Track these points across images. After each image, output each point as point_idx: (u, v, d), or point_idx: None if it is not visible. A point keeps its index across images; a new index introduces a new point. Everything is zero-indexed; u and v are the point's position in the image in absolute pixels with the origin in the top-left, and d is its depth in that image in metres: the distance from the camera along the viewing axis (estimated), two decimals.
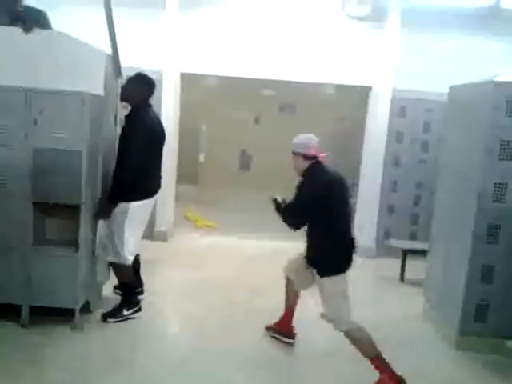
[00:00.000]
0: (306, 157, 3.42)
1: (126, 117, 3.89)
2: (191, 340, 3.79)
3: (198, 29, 6.18)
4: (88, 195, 3.62)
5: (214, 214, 7.68)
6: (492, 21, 5.94)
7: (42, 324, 3.63)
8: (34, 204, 3.56)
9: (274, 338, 3.83)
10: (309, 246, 3.50)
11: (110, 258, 3.92)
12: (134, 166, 3.70)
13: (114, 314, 3.92)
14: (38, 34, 3.61)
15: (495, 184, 3.68)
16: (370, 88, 6.40)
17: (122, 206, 3.79)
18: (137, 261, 4.20)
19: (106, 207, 3.79)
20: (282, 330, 3.83)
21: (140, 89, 3.89)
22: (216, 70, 6.35)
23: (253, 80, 6.42)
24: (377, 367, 3.19)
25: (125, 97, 3.93)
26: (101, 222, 3.87)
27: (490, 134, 3.66)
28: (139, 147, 3.72)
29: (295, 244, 6.83)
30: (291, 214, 3.45)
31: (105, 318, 3.88)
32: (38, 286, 3.57)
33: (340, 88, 7.16)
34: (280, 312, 3.96)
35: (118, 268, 3.96)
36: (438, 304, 4.26)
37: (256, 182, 9.70)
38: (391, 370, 3.18)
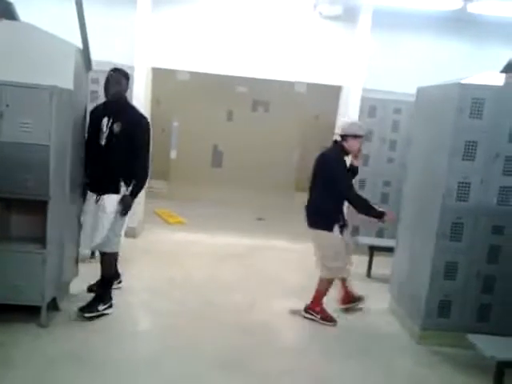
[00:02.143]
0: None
1: (116, 111, 3.88)
2: (162, 338, 3.78)
3: (170, 24, 6.14)
4: (56, 191, 3.56)
5: (185, 211, 7.65)
6: (459, 24, 6.11)
7: (6, 322, 3.56)
8: (0, 199, 3.48)
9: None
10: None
11: (110, 249, 3.98)
12: (148, 157, 3.97)
13: (91, 308, 3.90)
14: (5, 25, 3.53)
15: (459, 183, 3.80)
16: (340, 87, 6.49)
17: (118, 196, 3.89)
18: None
19: (129, 203, 3.90)
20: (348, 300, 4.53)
21: (126, 82, 3.95)
22: (188, 65, 6.32)
23: (226, 77, 6.43)
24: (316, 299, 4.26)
25: (115, 91, 3.88)
26: (90, 215, 3.93)
27: (455, 135, 3.77)
28: (149, 139, 3.96)
29: (266, 241, 6.91)
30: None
31: (83, 312, 3.86)
32: (3, 283, 3.50)
33: (313, 86, 7.24)
34: (254, 307, 3.99)
35: (110, 259, 4.04)
36: (403, 299, 4.37)
37: (228, 179, 9.70)
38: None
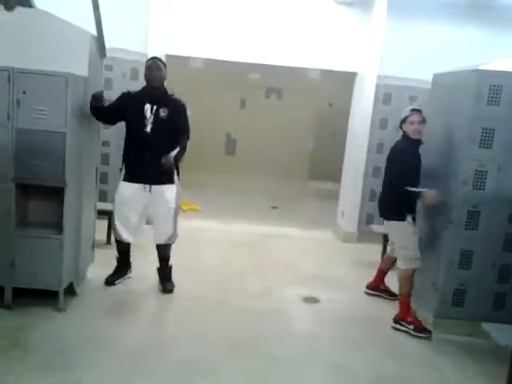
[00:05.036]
0: None
1: (159, 97, 3.99)
2: (176, 323, 3.82)
3: (184, 10, 6.11)
4: (72, 177, 3.60)
5: (199, 198, 7.68)
6: (477, 9, 5.99)
7: (25, 306, 3.63)
8: (17, 186, 3.53)
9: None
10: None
11: (176, 238, 4.26)
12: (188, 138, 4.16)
13: (171, 285, 4.28)
14: (20, 12, 3.55)
15: (476, 171, 3.76)
16: (355, 74, 6.43)
17: (176, 186, 4.16)
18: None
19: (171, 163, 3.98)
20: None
21: (165, 70, 4.07)
22: (202, 52, 6.30)
23: (239, 63, 6.39)
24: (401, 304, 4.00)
25: (158, 78, 4.00)
26: (136, 204, 4.04)
27: (472, 122, 3.72)
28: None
29: (280, 229, 6.92)
30: None
31: (169, 292, 4.22)
32: (22, 268, 3.57)
33: (327, 73, 7.18)
34: (267, 295, 4.00)
35: (169, 246, 4.26)
36: (417, 288, 4.35)
37: (241, 167, 9.71)
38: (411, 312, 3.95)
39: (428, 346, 3.77)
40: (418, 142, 3.98)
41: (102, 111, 3.87)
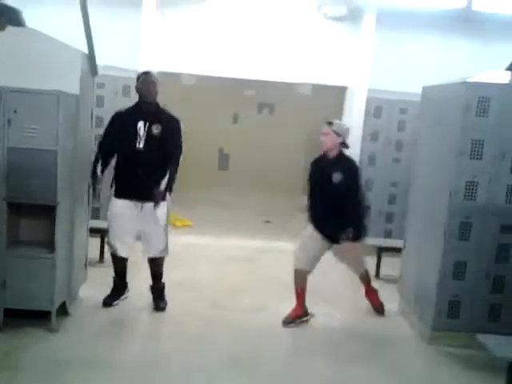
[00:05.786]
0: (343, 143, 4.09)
1: (153, 114, 3.97)
2: (170, 342, 3.79)
3: (176, 27, 6.18)
4: (64, 196, 3.58)
5: (192, 214, 7.65)
6: (464, 22, 6.09)
7: (17, 327, 3.58)
8: (9, 204, 3.50)
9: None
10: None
11: (167, 253, 4.21)
12: (180, 157, 4.10)
13: (163, 303, 4.20)
14: (11, 31, 3.56)
15: (467, 182, 3.78)
16: (345, 88, 6.49)
17: (166, 203, 4.09)
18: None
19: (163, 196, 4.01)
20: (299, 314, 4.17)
21: (158, 85, 4.06)
22: (194, 69, 6.35)
23: (231, 79, 6.45)
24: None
25: (152, 93, 3.99)
26: (127, 220, 4.01)
27: (462, 134, 3.75)
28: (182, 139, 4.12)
29: (273, 244, 6.90)
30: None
31: (162, 310, 4.15)
32: (13, 288, 3.52)
33: (318, 88, 7.24)
34: (261, 310, 4.01)
35: (163, 260, 4.22)
36: (412, 300, 4.35)
37: (234, 182, 9.71)
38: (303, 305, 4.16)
39: (426, 359, 3.76)
40: (324, 154, 4.12)
41: (107, 155, 4.04)
